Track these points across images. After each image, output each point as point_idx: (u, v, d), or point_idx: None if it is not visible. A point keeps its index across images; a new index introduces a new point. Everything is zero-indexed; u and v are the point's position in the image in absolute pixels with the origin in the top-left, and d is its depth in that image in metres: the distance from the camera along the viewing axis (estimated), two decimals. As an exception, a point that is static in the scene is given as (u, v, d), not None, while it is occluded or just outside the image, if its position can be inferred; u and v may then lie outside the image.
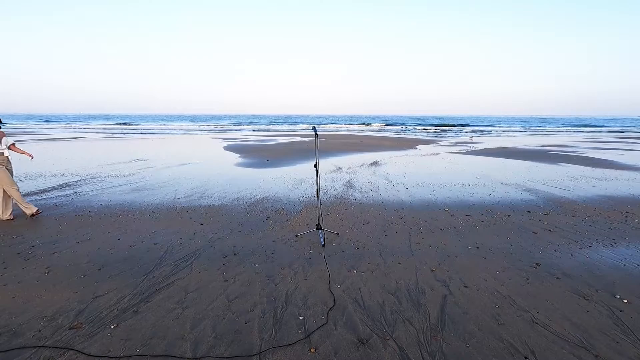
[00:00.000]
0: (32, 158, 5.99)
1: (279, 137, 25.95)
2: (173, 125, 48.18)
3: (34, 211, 5.50)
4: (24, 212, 5.52)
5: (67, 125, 46.00)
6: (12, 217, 5.43)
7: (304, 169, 10.60)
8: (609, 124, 60.95)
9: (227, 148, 16.85)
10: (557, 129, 46.91)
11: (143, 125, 49.48)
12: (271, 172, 9.97)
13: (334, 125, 53.95)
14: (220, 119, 77.61)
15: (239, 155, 14.03)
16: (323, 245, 4.39)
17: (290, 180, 8.65)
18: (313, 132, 4.58)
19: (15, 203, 5.49)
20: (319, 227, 4.69)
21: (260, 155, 14.02)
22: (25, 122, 52.39)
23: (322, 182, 8.34)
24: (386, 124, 55.64)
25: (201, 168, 10.56)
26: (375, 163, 11.84)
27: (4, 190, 5.37)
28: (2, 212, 5.39)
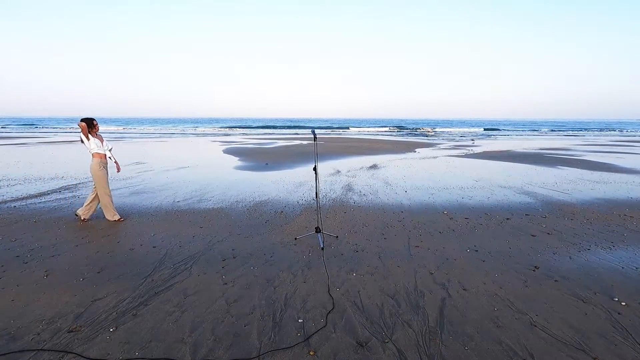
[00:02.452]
0: (119, 171, 5.90)
1: (278, 140, 26.04)
2: (171, 129, 48.23)
3: (117, 218, 5.52)
4: (105, 215, 5.54)
5: (57, 129, 45.97)
6: (86, 219, 5.51)
7: (303, 172, 10.63)
8: (614, 127, 61.09)
9: (227, 151, 16.89)
10: (556, 132, 47.05)
11: (140, 128, 49.48)
12: (270, 175, 10.00)
13: (333, 129, 54.06)
14: (217, 122, 77.48)
15: (238, 158, 14.06)
16: (322, 248, 4.40)
17: (290, 183, 8.67)
18: (312, 136, 4.56)
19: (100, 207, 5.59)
20: (318, 230, 4.70)
21: (260, 158, 14.06)
22: (10, 126, 52.30)
23: (321, 186, 8.35)
24: (388, 127, 55.76)
25: (200, 171, 10.58)
26: (374, 166, 11.88)
27: (96, 193, 5.48)
28: (83, 211, 5.46)
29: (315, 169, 4.69)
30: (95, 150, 5.36)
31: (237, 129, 51.96)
